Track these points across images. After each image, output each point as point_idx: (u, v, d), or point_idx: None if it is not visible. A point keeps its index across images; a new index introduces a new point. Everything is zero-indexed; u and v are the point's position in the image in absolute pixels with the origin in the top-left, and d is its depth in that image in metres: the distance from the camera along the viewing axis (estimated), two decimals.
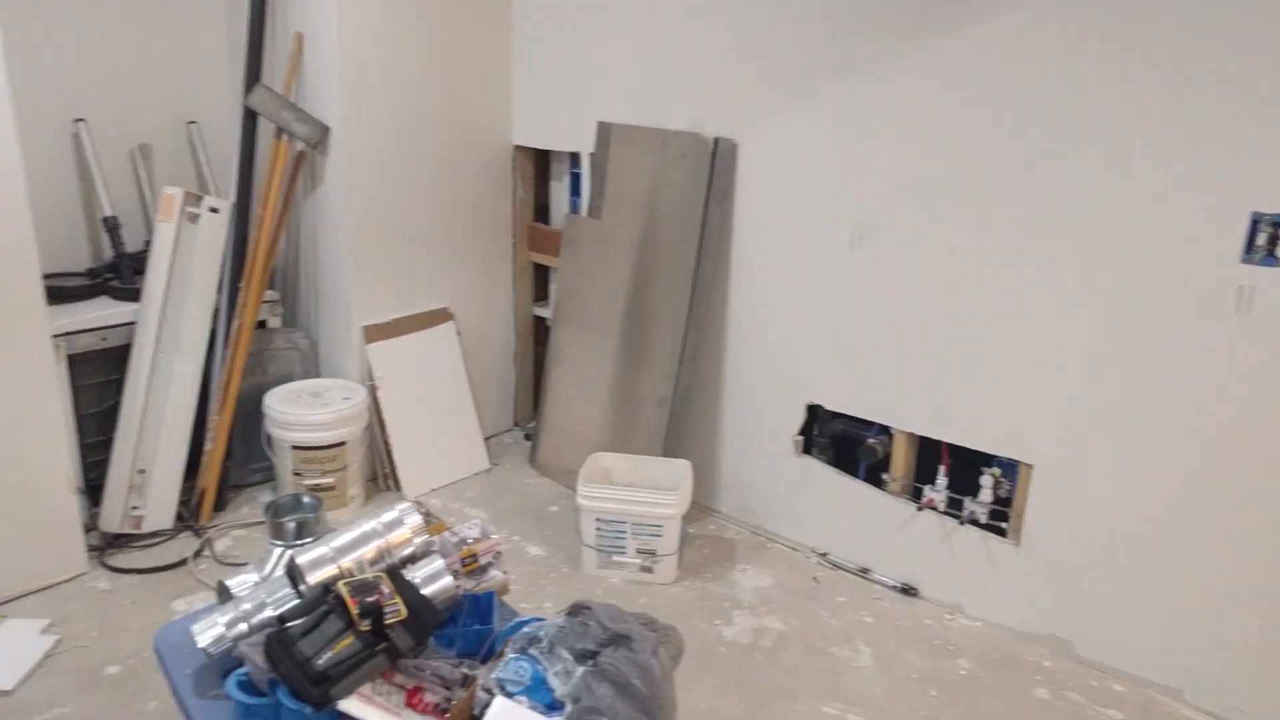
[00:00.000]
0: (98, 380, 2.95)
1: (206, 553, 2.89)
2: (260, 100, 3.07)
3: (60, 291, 2.93)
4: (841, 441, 2.88)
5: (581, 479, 2.81)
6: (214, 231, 3.01)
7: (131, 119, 3.20)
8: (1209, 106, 2.04)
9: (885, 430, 2.75)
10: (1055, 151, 2.27)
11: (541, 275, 3.83)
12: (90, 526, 2.90)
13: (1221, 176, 2.05)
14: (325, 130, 3.09)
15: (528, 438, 3.74)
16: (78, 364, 2.89)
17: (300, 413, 3.02)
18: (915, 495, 2.71)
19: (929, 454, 2.68)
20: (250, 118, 3.10)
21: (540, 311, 3.83)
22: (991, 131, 2.36)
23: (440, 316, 3.49)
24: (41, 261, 2.94)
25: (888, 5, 2.48)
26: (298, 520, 2.24)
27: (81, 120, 3.05)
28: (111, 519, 2.90)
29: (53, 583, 2.68)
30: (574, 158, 3.49)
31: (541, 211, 3.78)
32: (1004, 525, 2.54)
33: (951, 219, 2.48)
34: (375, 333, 3.29)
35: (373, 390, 3.25)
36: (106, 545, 2.88)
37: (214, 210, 3.00)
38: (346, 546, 1.77)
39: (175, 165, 3.32)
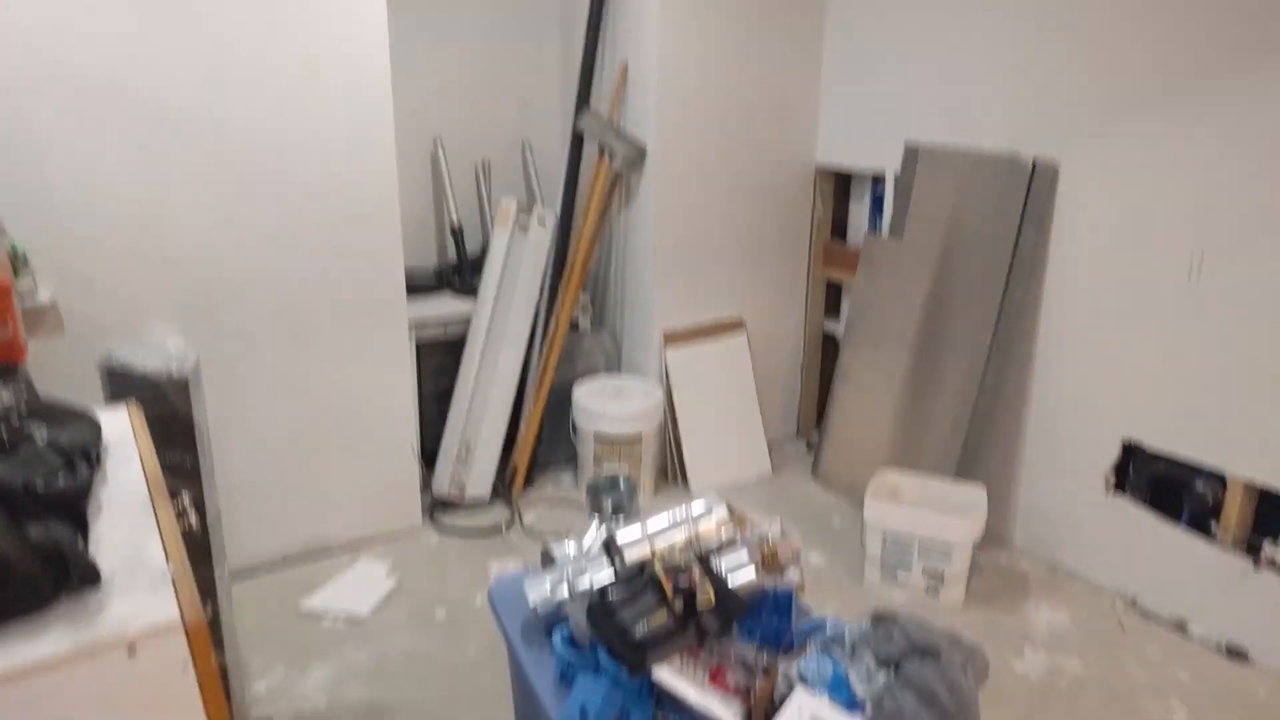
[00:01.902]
0: (438, 364, 3.37)
1: (516, 522, 3.21)
2: (588, 123, 3.36)
3: (412, 287, 3.37)
4: (1162, 483, 2.66)
5: (870, 493, 2.81)
6: (540, 241, 3.33)
7: (476, 137, 3.62)
8: None
9: (1216, 476, 2.50)
10: None
11: (834, 292, 3.86)
12: (424, 489, 3.32)
13: None
14: (643, 151, 3.33)
15: (810, 448, 3.78)
16: (423, 350, 3.32)
17: (604, 405, 3.26)
18: (1251, 550, 2.45)
19: (1271, 506, 2.41)
20: (577, 138, 3.41)
21: (830, 327, 3.87)
22: None
23: (734, 325, 3.63)
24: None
25: (1245, 19, 2.27)
26: (614, 499, 2.44)
27: (439, 139, 3.51)
28: (441, 485, 3.30)
29: (395, 529, 3.11)
30: (877, 179, 3.50)
31: (839, 229, 3.81)
32: None
33: None
34: (674, 337, 3.48)
35: (668, 390, 3.45)
36: (435, 506, 3.28)
37: (541, 222, 3.32)
38: (660, 531, 1.91)
39: (510, 179, 3.72)
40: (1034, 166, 2.81)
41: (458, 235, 3.49)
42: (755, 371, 3.68)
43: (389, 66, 2.76)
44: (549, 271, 3.42)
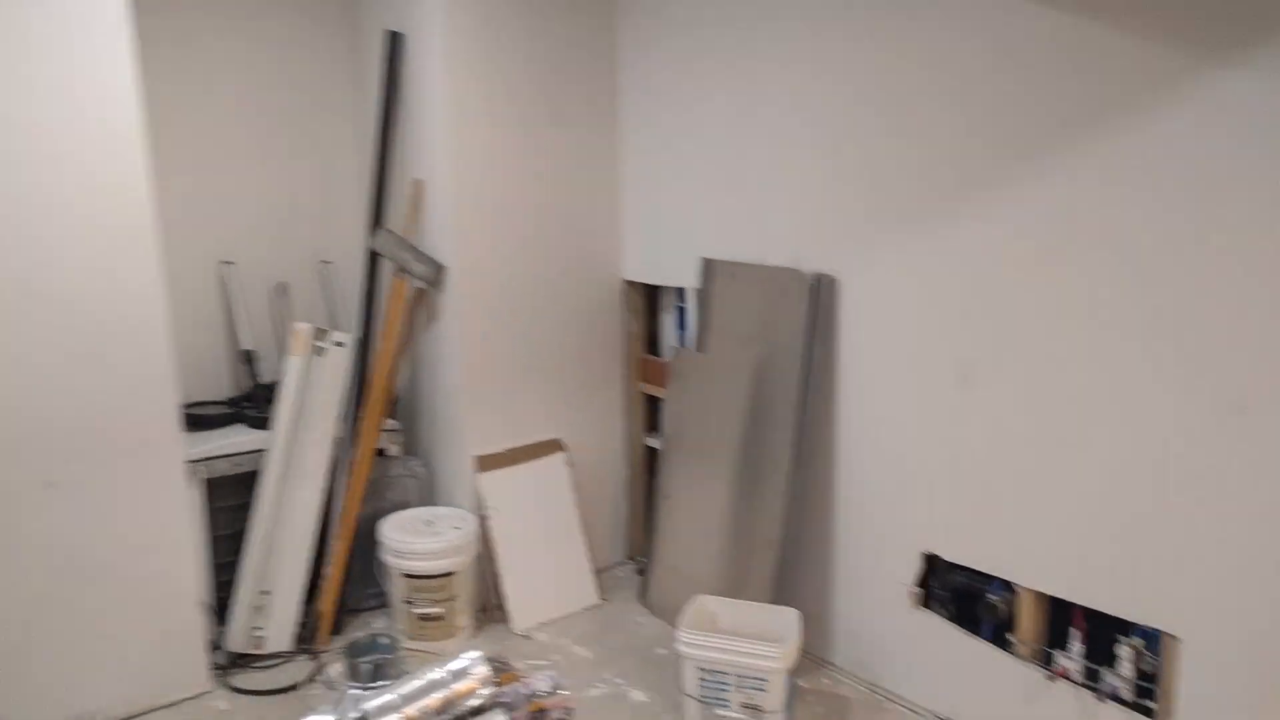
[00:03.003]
0: (232, 504, 3.10)
1: (320, 677, 2.93)
2: (382, 242, 3.26)
3: (201, 419, 3.14)
4: (962, 596, 2.69)
5: (685, 622, 2.72)
6: (338, 364, 3.16)
7: (271, 259, 3.45)
8: None
9: (1008, 586, 2.55)
10: (1212, 292, 2.10)
11: (653, 406, 3.83)
12: (217, 645, 3.00)
13: None
14: (441, 269, 3.24)
15: (640, 573, 3.68)
16: (215, 487, 3.05)
17: (411, 540, 3.07)
18: (1047, 661, 2.48)
19: (1061, 615, 2.47)
20: (373, 258, 3.29)
21: (653, 442, 3.83)
22: (1118, 270, 2.23)
23: (552, 447, 3.53)
24: (187, 391, 3.19)
25: (996, 134, 2.42)
26: (374, 662, 2.26)
27: (229, 263, 3.31)
28: (236, 639, 2.99)
29: (178, 699, 2.78)
30: (680, 292, 3.53)
31: (652, 343, 3.81)
32: (1152, 705, 2.28)
33: (1076, 362, 2.33)
34: (487, 462, 3.34)
35: (483, 520, 3.29)
36: (230, 664, 2.96)
37: (339, 344, 3.16)
38: (414, 694, 1.78)
39: (310, 302, 3.54)
40: (816, 281, 2.88)
41: (250, 361, 3.27)
42: (578, 494, 3.58)
43: (149, 189, 2.58)
44: (351, 397, 3.24)
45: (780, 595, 2.96)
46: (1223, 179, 2.03)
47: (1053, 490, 2.41)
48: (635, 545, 3.85)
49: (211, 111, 3.25)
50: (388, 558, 3.12)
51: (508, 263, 3.33)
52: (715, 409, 3.22)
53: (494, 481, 3.34)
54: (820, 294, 2.89)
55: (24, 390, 2.42)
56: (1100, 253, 2.25)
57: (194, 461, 2.95)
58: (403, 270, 3.27)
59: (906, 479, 2.77)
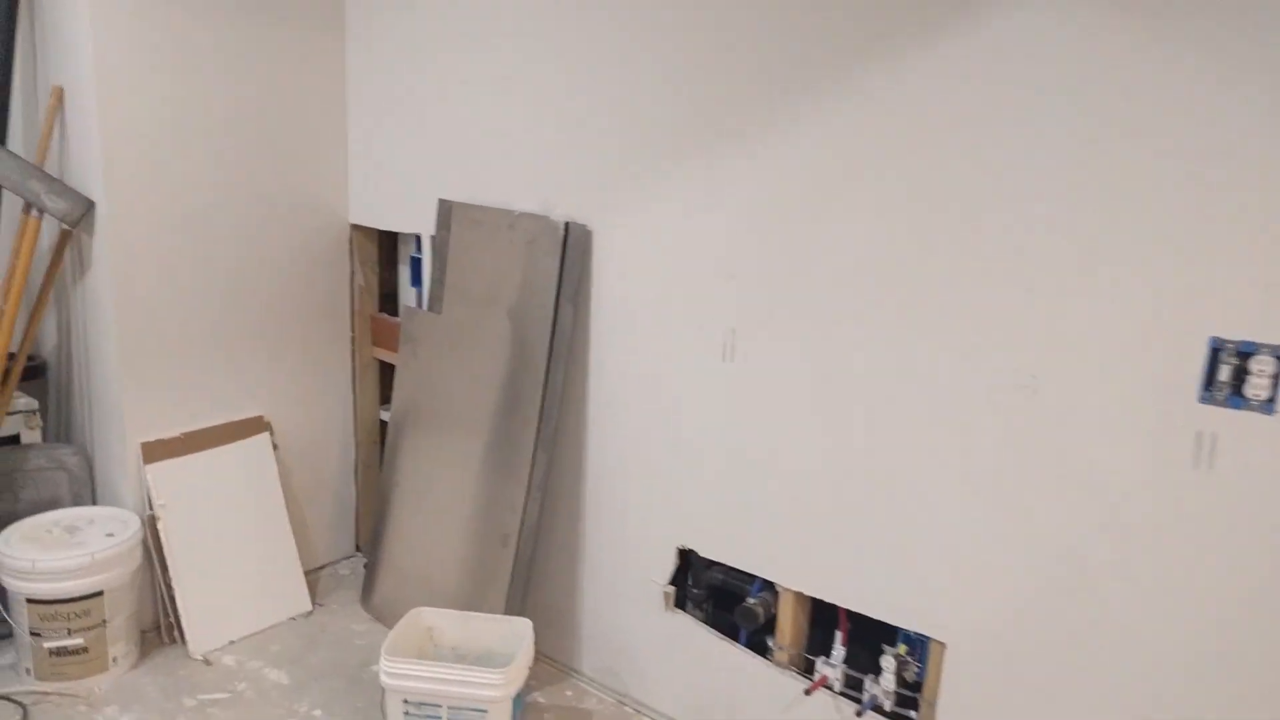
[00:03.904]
0: None
1: None
2: (1, 169, 2.48)
3: None
4: (720, 596, 2.33)
5: (388, 646, 2.21)
6: None
7: None
8: (1164, 209, 1.58)
9: (770, 586, 2.20)
10: (983, 255, 1.78)
11: (389, 374, 3.25)
12: None
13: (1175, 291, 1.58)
14: (88, 205, 2.51)
15: (368, 568, 3.12)
16: None
17: (36, 556, 2.37)
18: (808, 669, 2.16)
19: (825, 619, 2.14)
20: None
21: (387, 416, 3.26)
22: (897, 225, 1.88)
23: (251, 427, 2.89)
24: None
25: (770, 60, 2.01)
26: None
27: None
28: None
29: None
30: (418, 241, 2.96)
31: (390, 301, 3.23)
32: (913, 715, 1.99)
33: (848, 330, 1.98)
34: (158, 450, 2.67)
35: (151, 521, 2.62)
36: None
37: None
38: None
39: None
40: (567, 230, 2.41)
41: None
42: (288, 480, 2.97)
43: None
44: None
45: (520, 600, 2.51)
46: (1012, 112, 1.70)
47: (820, 481, 2.07)
48: (367, 536, 3.29)
49: None
50: (6, 579, 2.40)
51: (185, 199, 2.63)
52: (452, 380, 2.69)
53: (167, 473, 2.67)
54: (571, 246, 2.41)
55: None
56: (887, 200, 1.89)
57: None
58: (33, 206, 2.51)
59: (661, 464, 2.36)
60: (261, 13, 2.70)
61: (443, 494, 2.71)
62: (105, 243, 2.52)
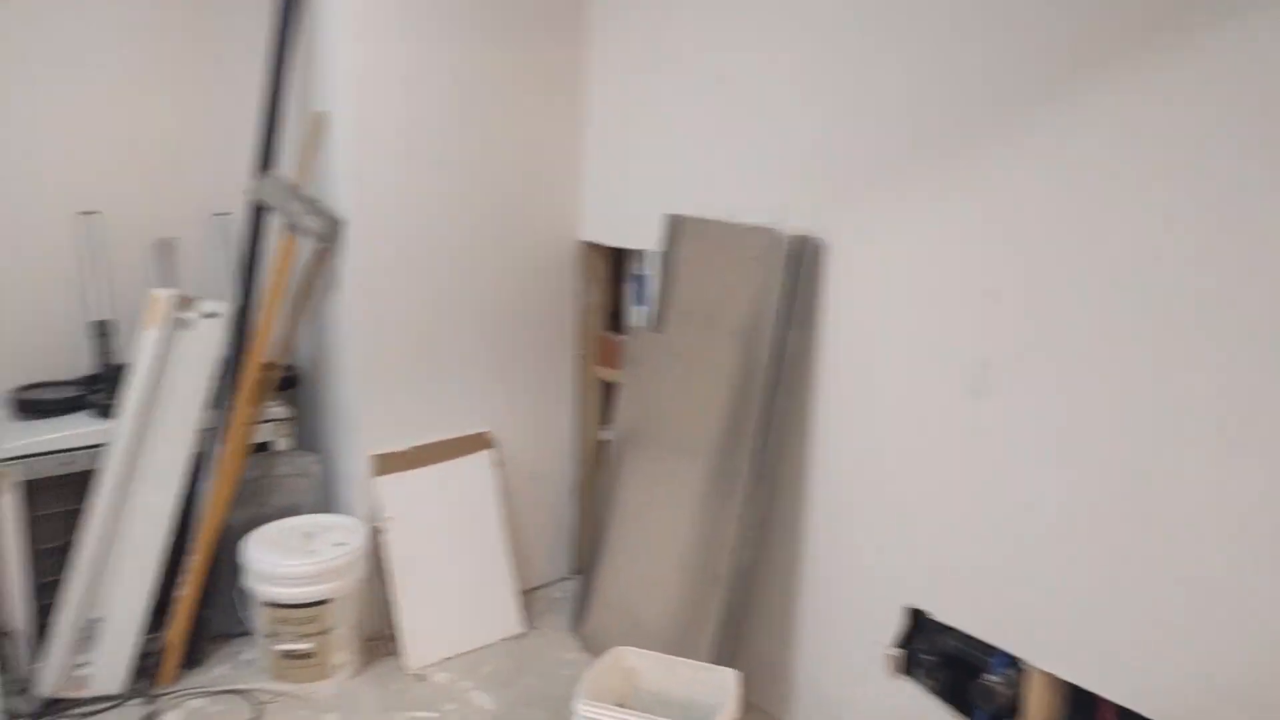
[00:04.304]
0: (62, 510, 2.55)
1: None
2: (267, 190, 2.65)
3: (37, 405, 2.59)
4: (955, 666, 1.99)
5: (587, 687, 2.08)
6: (208, 339, 2.57)
7: (153, 210, 2.86)
8: None
9: (1014, 663, 1.85)
10: None
11: (614, 394, 3.18)
12: (24, 688, 2.46)
13: None
14: (337, 224, 2.63)
15: (582, 595, 3.04)
16: (39, 491, 2.50)
17: (276, 561, 2.48)
18: None
19: (1086, 710, 1.76)
20: (258, 210, 2.69)
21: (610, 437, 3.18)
22: (1205, 239, 1.50)
23: (476, 443, 2.90)
24: (27, 369, 2.66)
25: (1048, 54, 1.70)
26: None
27: (91, 213, 2.74)
28: (49, 680, 2.44)
29: None
30: (645, 258, 2.86)
31: (616, 319, 3.15)
32: None
33: (1125, 363, 1.61)
34: (388, 463, 2.73)
35: (377, 533, 2.68)
36: (39, 714, 2.41)
37: (210, 315, 2.57)
38: None
39: (203, 263, 2.96)
40: (796, 245, 2.19)
41: (103, 335, 2.70)
42: (509, 499, 2.96)
43: None
44: (228, 381, 2.66)
45: (733, 642, 2.31)
46: None
47: (1087, 540, 1.70)
48: (584, 559, 3.21)
49: (78, 26, 2.66)
50: (250, 582, 2.53)
51: (424, 217, 2.69)
52: (673, 404, 2.55)
53: (395, 486, 2.73)
54: (802, 262, 2.20)
55: None
56: (1176, 210, 1.52)
57: (3, 462, 2.41)
58: (292, 226, 2.66)
59: (893, 510, 2.08)
60: (505, 31, 2.72)
61: (658, 523, 2.56)
62: (350, 260, 2.62)
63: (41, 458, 2.46)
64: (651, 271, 2.76)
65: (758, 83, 2.31)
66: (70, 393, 2.66)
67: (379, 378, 2.70)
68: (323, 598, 2.49)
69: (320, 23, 2.59)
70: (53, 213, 2.70)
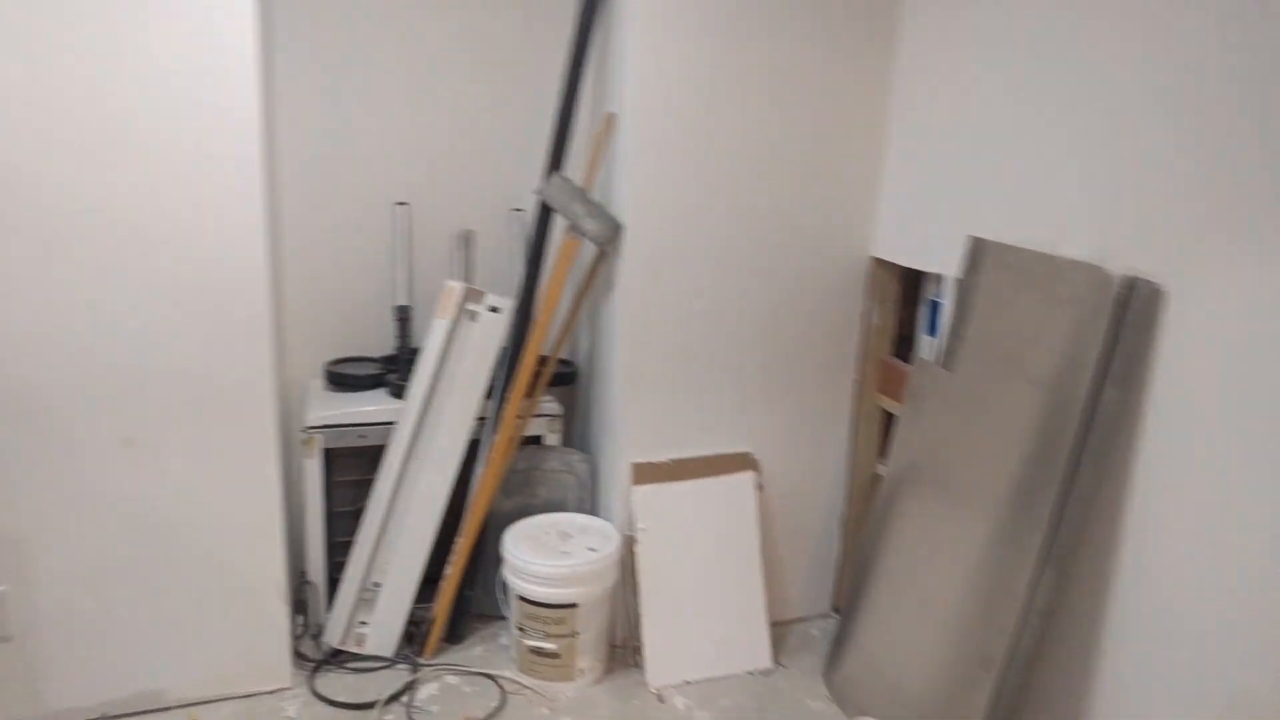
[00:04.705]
0: (356, 478, 2.77)
1: (406, 698, 2.51)
2: (552, 190, 2.67)
3: (345, 379, 2.82)
4: None
5: None
6: (490, 332, 2.67)
7: (458, 204, 3.02)
8: None
9: None
10: None
11: (893, 425, 2.90)
12: (317, 634, 2.72)
13: None
14: (617, 228, 2.60)
15: (837, 638, 2.83)
16: (338, 459, 2.73)
17: (530, 558, 2.52)
18: None
19: None
20: (545, 210, 2.72)
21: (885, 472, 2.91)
22: None
23: (737, 463, 2.77)
24: (342, 345, 2.90)
25: None
26: None
27: (402, 204, 2.94)
28: (335, 632, 2.67)
29: (251, 692, 2.50)
30: (941, 283, 2.56)
31: (904, 345, 2.87)
32: None
33: None
34: (646, 473, 2.68)
35: (629, 543, 2.65)
36: (323, 660, 2.65)
37: (494, 309, 2.66)
38: None
39: (498, 255, 3.08)
40: (1125, 288, 1.82)
41: (403, 319, 2.89)
42: (768, 524, 2.81)
43: (260, 117, 2.20)
44: (505, 373, 2.74)
45: None
46: None
47: None
48: (843, 599, 2.99)
49: (394, 31, 2.86)
50: (506, 574, 2.60)
51: (703, 224, 2.60)
52: (957, 450, 2.27)
53: (652, 497, 2.68)
54: (1130, 309, 1.83)
55: (101, 333, 2.19)
56: None
57: (312, 428, 2.65)
58: (573, 227, 2.68)
59: (1226, 617, 1.67)
60: (807, 30, 2.53)
61: (928, 579, 2.29)
62: (625, 265, 2.58)
63: (343, 429, 2.68)
64: (947, 299, 2.46)
65: (1102, 91, 1.93)
66: (373, 370, 2.88)
67: (645, 385, 2.65)
68: (571, 601, 2.50)
69: (616, 21, 2.55)
70: (372, 203, 2.92)
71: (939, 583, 2.25)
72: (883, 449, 2.91)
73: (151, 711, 2.41)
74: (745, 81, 2.52)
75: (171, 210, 2.17)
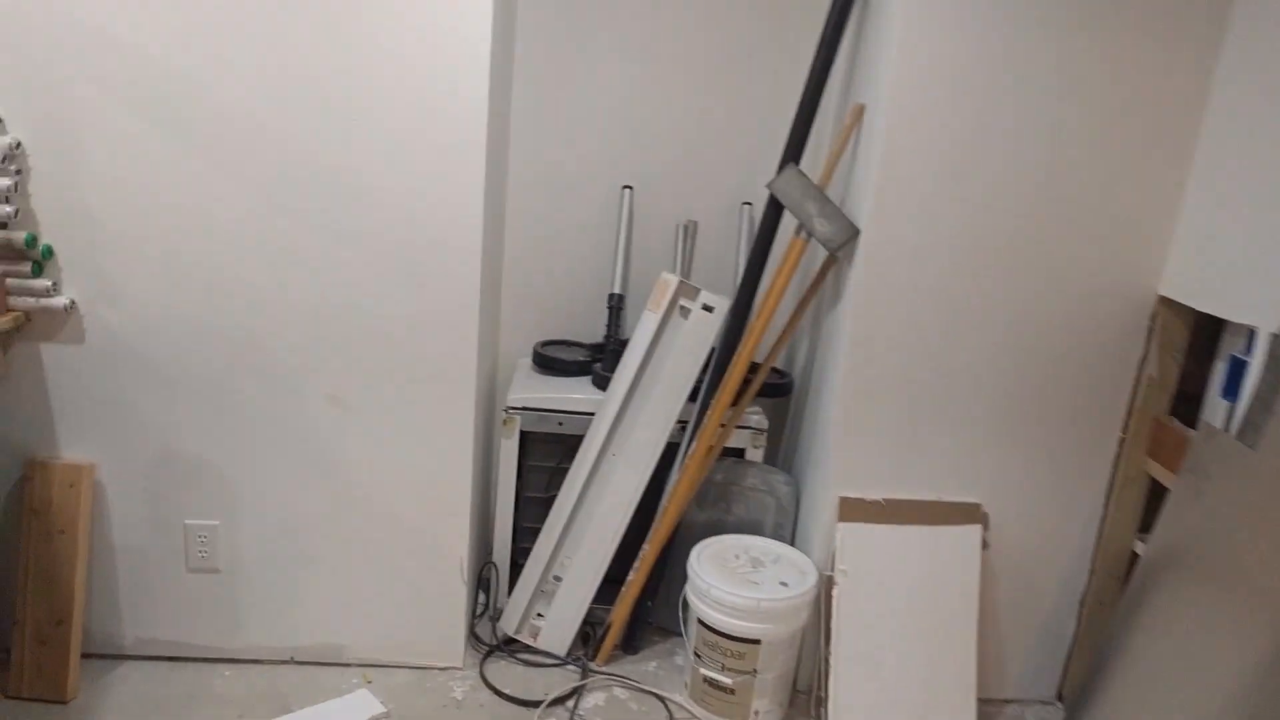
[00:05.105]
0: (551, 465, 2.69)
1: (571, 703, 2.40)
2: (785, 185, 2.44)
3: (554, 363, 2.76)
4: None
5: None
6: (701, 332, 2.50)
7: (683, 192, 2.86)
8: None
9: None
10: None
11: (1159, 496, 2.44)
12: (496, 616, 2.68)
13: None
14: (852, 233, 2.33)
15: None
16: (535, 443, 2.67)
17: (717, 584, 2.32)
18: None
19: None
20: (775, 206, 2.50)
21: (1142, 549, 2.46)
22: None
23: (962, 514, 2.43)
24: (557, 327, 2.85)
25: None
26: None
27: (627, 187, 2.82)
28: (511, 620, 2.61)
29: (424, 664, 2.49)
30: (1250, 336, 2.09)
31: (1188, 403, 2.39)
32: None
33: None
34: (855, 509, 2.40)
35: (827, 583, 2.39)
36: (498, 646, 2.60)
37: (707, 308, 2.49)
38: None
39: (723, 248, 2.91)
40: None
41: (615, 308, 2.77)
42: (990, 587, 2.45)
43: (487, 102, 2.15)
44: (712, 377, 2.56)
45: None
46: None
47: None
48: (1073, 689, 2.56)
49: (633, 12, 2.73)
50: (689, 592, 2.42)
51: (951, 240, 2.27)
52: (1252, 547, 1.84)
53: (858, 536, 2.40)
54: None
55: (320, 292, 2.22)
56: None
57: (513, 409, 2.59)
58: (803, 227, 2.44)
59: None
60: (1113, 28, 2.13)
61: (1190, 686, 1.88)
62: (857, 276, 2.31)
63: (543, 413, 2.61)
64: (1256, 358, 1.99)
65: None
66: (580, 356, 2.79)
67: (864, 411, 2.37)
68: (754, 636, 2.29)
69: (877, 5, 2.27)
70: (597, 186, 2.83)
71: (1207, 694, 1.83)
72: (1145, 522, 2.46)
73: (332, 665, 2.46)
74: (1024, 80, 2.16)
75: (397, 184, 2.17)
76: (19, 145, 2.10)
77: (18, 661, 2.23)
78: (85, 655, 2.34)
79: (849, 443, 2.40)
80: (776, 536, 2.61)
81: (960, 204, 2.24)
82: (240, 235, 2.17)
